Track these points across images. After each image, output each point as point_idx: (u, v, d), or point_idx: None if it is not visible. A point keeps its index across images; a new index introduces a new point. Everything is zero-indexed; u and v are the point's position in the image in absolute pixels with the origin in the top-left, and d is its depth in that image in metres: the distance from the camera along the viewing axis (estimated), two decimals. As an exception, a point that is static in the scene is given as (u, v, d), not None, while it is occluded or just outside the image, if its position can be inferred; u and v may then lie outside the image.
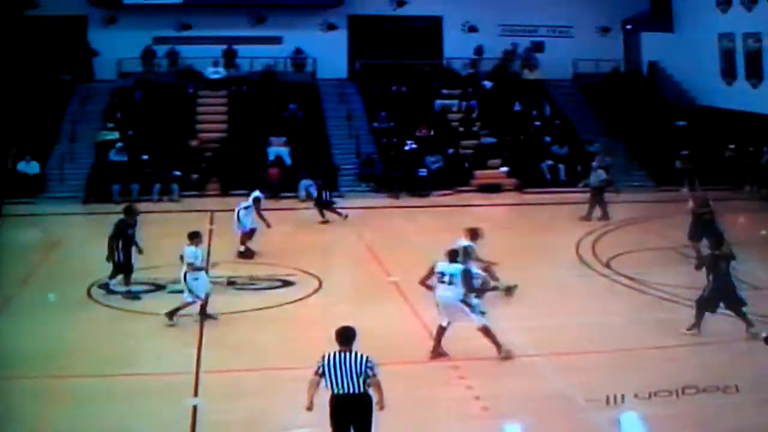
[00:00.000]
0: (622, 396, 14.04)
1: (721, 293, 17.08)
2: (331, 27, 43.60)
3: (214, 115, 39.92)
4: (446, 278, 15.94)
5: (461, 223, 28.71)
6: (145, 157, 35.41)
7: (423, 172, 36.07)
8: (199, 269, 18.79)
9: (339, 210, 30.54)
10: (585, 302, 20.43)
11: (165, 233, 25.79)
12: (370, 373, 11.57)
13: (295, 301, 20.53)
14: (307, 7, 42.93)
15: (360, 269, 24.40)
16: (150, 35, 42.31)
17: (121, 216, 21.30)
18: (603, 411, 13.75)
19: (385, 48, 43.21)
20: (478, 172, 36.84)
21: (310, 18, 43.07)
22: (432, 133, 38.51)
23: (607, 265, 23.54)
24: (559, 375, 15.30)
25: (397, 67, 42.50)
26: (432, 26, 43.80)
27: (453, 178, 36.51)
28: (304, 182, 34.41)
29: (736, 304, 17.11)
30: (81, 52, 42.24)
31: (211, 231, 28.24)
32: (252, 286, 22.00)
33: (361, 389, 11.54)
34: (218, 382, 15.38)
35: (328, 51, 42.62)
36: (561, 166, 37.19)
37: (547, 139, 38.76)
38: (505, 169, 37.36)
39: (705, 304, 17.24)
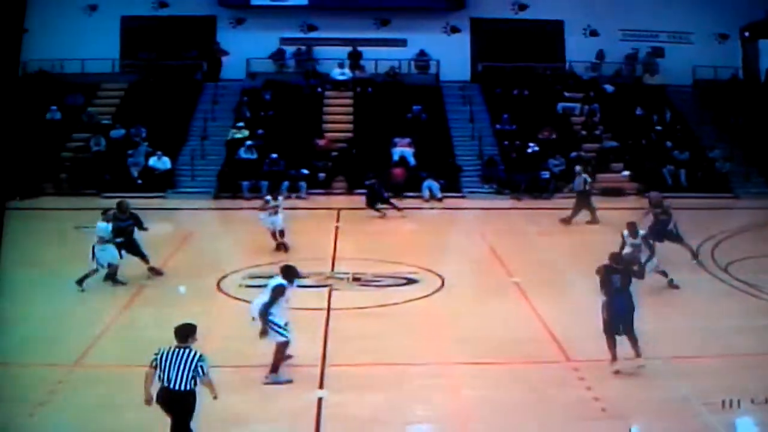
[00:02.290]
0: (738, 401, 13.85)
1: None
2: (454, 30, 43.88)
3: (341, 115, 40.45)
4: None
5: (583, 226, 29.15)
6: (274, 155, 36.11)
7: (545, 174, 36.13)
8: (107, 242, 20.66)
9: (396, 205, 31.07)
10: (702, 306, 20.31)
11: (293, 230, 26.36)
12: (200, 372, 11.85)
13: (419, 298, 20.61)
14: (430, 10, 43.21)
15: (482, 269, 24.32)
16: (277, 36, 43.26)
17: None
18: (719, 415, 13.65)
19: (507, 51, 43.25)
20: (600, 176, 36.73)
21: (433, 21, 43.39)
22: (554, 136, 38.57)
23: (726, 270, 23.32)
24: (676, 378, 15.19)
25: (519, 70, 42.50)
26: (553, 30, 43.70)
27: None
28: (427, 182, 34.88)
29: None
30: (211, 52, 43.36)
31: (337, 228, 28.93)
32: (376, 283, 22.01)
33: (187, 387, 11.81)
34: (343, 375, 15.55)
35: (451, 53, 42.90)
36: (682, 171, 36.92)
37: (668, 144, 38.45)
38: (627, 173, 37.25)
39: None
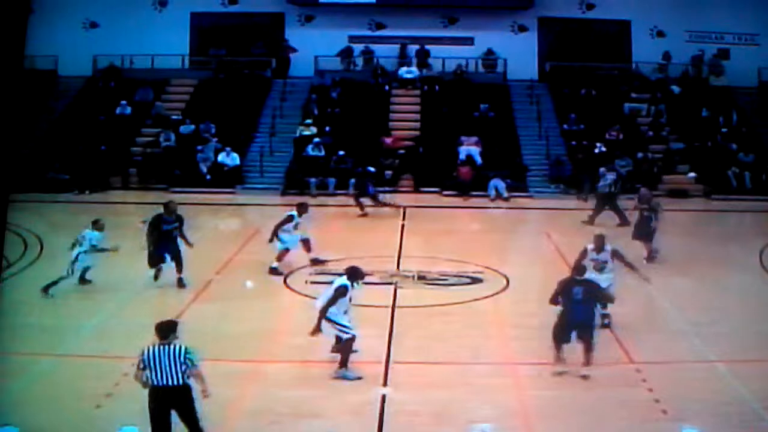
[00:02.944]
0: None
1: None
2: (522, 29, 43.81)
3: (408, 113, 40.61)
4: None
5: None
6: (341, 152, 36.43)
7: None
8: (101, 250, 20.57)
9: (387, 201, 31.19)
10: (764, 309, 19.97)
11: (360, 227, 26.59)
12: (189, 364, 11.90)
13: (483, 298, 20.69)
14: (498, 9, 43.12)
15: (547, 269, 23.71)
16: (345, 34, 43.46)
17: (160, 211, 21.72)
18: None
19: (575, 50, 43.21)
20: (666, 177, 36.55)
21: (500, 19, 43.35)
22: (621, 136, 38.41)
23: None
24: (738, 381, 15.10)
25: (586, 69, 42.35)
26: (620, 30, 43.44)
27: (641, 182, 36.14)
28: (494, 181, 34.93)
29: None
30: (279, 49, 43.72)
31: (403, 226, 29.10)
32: (441, 282, 22.07)
33: (181, 381, 11.87)
34: (407, 373, 15.67)
35: (518, 52, 42.84)
36: (746, 174, 36.59)
37: (733, 146, 38.09)
38: (692, 174, 37.00)
39: None
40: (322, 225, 29.88)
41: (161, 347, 11.99)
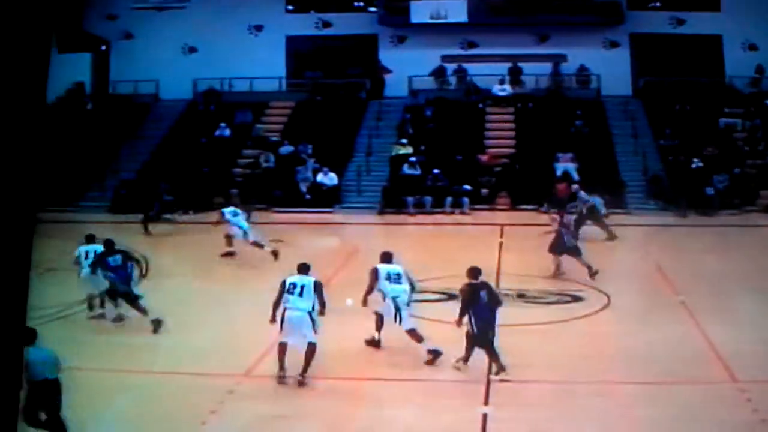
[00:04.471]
0: None
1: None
2: (613, 44, 43.79)
3: (502, 131, 40.84)
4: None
5: (747, 243, 28.84)
6: (437, 171, 36.64)
7: (710, 190, 35.64)
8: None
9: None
10: None
11: (458, 245, 26.84)
12: (59, 361, 12.64)
13: (584, 316, 20.65)
14: (589, 25, 43.14)
15: (648, 287, 24.28)
16: (438, 53, 43.98)
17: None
18: None
19: (667, 65, 43.01)
20: (763, 192, 36.16)
21: (592, 36, 43.36)
22: (718, 151, 38.13)
23: None
24: None
25: (680, 84, 42.01)
26: (712, 44, 43.02)
27: (739, 197, 36.02)
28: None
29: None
30: (374, 70, 44.32)
31: (501, 244, 29.20)
32: (542, 300, 22.09)
33: (54, 375, 12.52)
34: (508, 391, 15.63)
35: (611, 68, 42.75)
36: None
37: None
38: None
39: None
40: (420, 243, 30.35)
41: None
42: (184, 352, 18.12)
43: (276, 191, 36.66)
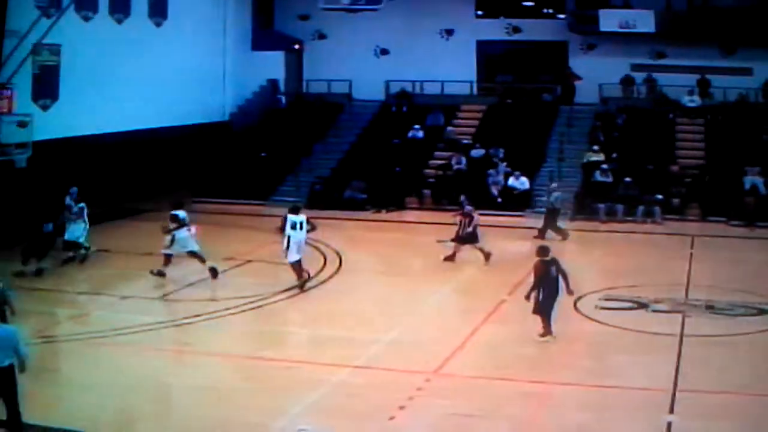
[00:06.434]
0: None
1: None
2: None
3: (692, 142, 40.84)
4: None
5: None
6: (628, 179, 36.73)
7: None
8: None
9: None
10: None
11: (649, 254, 27.18)
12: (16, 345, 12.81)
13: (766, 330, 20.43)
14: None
15: None
16: (628, 62, 44.34)
17: None
18: None
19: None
20: None
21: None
22: None
23: None
24: None
25: None
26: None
27: None
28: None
29: None
30: (564, 77, 45.05)
31: (691, 255, 29.14)
32: (729, 312, 21.83)
33: (5, 362, 12.65)
34: (693, 401, 15.55)
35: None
36: None
37: None
38: None
39: None
40: (611, 251, 30.83)
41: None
42: (378, 347, 18.95)
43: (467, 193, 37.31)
